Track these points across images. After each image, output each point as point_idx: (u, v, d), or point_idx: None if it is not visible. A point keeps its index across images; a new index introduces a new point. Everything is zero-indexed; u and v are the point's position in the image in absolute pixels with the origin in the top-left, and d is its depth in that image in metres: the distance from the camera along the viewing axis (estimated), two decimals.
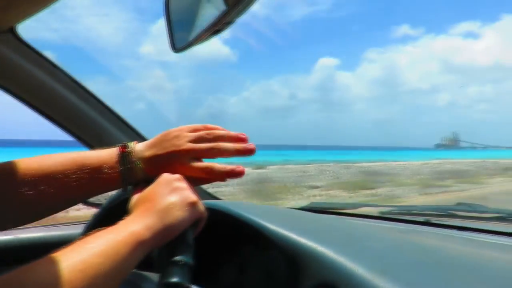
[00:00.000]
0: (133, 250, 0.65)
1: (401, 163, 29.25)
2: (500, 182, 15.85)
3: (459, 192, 12.99)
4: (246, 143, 0.87)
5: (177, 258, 0.72)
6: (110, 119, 1.72)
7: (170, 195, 0.75)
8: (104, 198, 1.24)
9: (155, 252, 0.79)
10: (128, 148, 0.83)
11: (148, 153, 0.83)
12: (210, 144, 0.84)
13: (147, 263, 0.85)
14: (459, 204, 1.64)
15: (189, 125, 0.86)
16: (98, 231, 0.66)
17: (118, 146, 0.84)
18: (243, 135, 0.87)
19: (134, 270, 1.12)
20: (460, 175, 18.65)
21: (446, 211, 1.54)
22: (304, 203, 1.87)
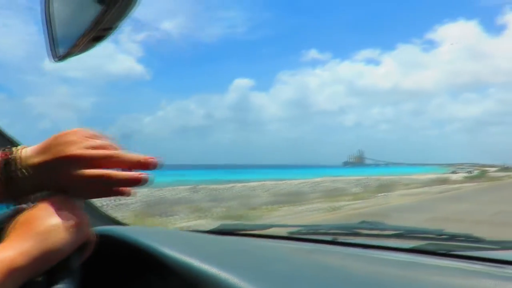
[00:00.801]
0: (4, 278, 0.56)
1: (279, 182, 27.28)
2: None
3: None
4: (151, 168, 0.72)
5: (58, 286, 0.64)
6: None
7: (52, 217, 0.66)
8: None
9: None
10: (12, 153, 0.68)
11: (37, 160, 0.68)
12: (109, 151, 0.70)
13: None
14: (362, 222, 1.70)
15: (88, 131, 0.71)
16: None
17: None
18: (150, 160, 0.71)
19: None
20: (292, 198, 16.02)
21: (351, 230, 1.59)
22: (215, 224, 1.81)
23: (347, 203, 13.98)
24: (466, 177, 34.77)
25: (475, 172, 47.94)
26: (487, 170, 61.10)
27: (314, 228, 1.62)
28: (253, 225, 1.83)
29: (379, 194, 16.48)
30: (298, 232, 1.58)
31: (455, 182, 27.58)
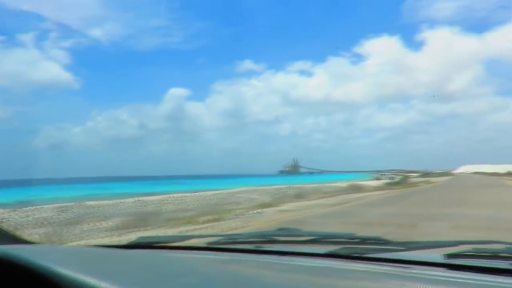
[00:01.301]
0: None
1: (189, 194, 25.01)
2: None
3: None
4: None
5: None
6: None
7: None
8: None
9: None
10: None
11: None
12: None
13: None
14: (279, 229, 1.72)
15: None
16: None
17: None
18: None
19: None
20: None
21: (268, 237, 1.59)
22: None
23: (196, 227, 10.37)
24: (386, 183, 35.96)
25: (397, 178, 50.76)
26: (409, 175, 65.06)
27: (233, 237, 1.60)
28: (171, 236, 1.78)
29: (254, 211, 12.75)
30: (217, 242, 1.56)
31: (373, 189, 26.89)
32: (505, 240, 1.40)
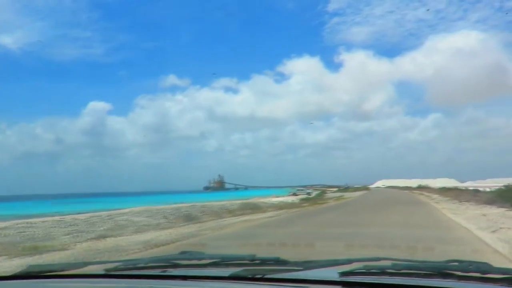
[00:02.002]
0: None
1: (42, 219, 17.20)
2: None
3: None
4: None
5: None
6: None
7: None
8: None
9: None
10: None
11: None
12: None
13: None
14: (182, 253, 1.69)
15: None
16: None
17: None
18: None
19: None
20: None
21: (170, 261, 1.56)
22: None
23: None
24: (300, 199, 35.41)
25: (314, 194, 52.28)
26: (326, 191, 67.30)
27: (133, 263, 1.54)
28: (66, 264, 1.66)
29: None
30: (116, 269, 1.49)
31: (275, 208, 23.69)
32: (391, 257, 1.51)
